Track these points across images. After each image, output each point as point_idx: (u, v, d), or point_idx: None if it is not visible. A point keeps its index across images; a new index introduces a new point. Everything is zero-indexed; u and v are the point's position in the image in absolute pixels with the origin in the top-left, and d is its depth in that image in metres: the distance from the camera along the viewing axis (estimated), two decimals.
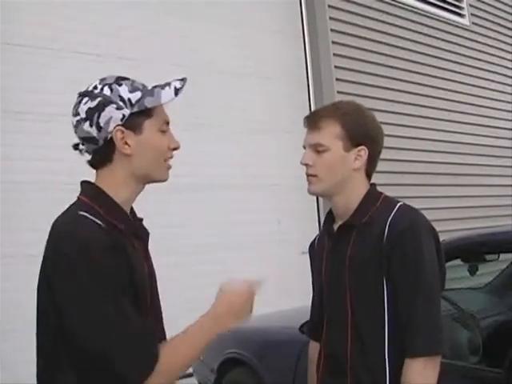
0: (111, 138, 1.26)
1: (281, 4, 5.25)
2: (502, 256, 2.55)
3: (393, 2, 6.01)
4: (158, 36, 4.39)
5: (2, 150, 3.53)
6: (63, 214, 1.30)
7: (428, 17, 6.43)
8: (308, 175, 1.54)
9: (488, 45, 7.13)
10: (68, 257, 1.16)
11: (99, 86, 1.31)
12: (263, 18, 5.13)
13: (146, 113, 1.28)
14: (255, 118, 4.87)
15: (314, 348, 1.70)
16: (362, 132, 1.50)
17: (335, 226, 1.57)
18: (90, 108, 1.28)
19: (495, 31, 7.33)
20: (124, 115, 1.26)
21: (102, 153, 1.29)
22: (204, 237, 4.34)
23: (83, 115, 1.28)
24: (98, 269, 1.15)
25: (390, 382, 1.40)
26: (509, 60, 7.41)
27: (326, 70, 5.22)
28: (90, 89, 1.32)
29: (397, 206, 1.48)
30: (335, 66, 5.25)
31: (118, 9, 4.21)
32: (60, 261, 1.18)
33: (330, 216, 1.60)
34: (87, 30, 4.03)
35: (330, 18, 5.32)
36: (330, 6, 5.32)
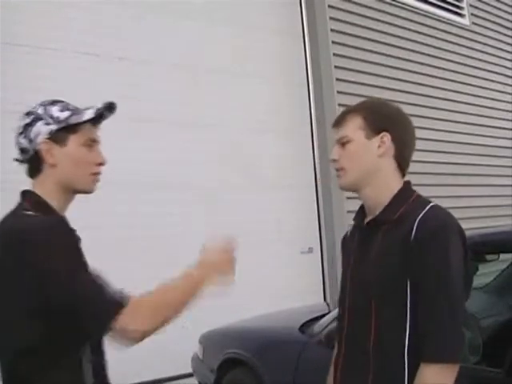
0: (39, 149, 1.48)
1: (281, 4, 5.25)
2: (502, 256, 2.55)
3: (393, 2, 6.01)
4: (158, 36, 4.40)
5: (1, 150, 3.53)
6: (8, 215, 1.46)
7: (428, 17, 6.43)
8: (336, 170, 1.55)
9: (488, 45, 7.14)
10: (39, 240, 1.32)
11: (37, 107, 1.51)
12: (263, 17, 5.13)
13: (72, 129, 1.49)
14: (255, 118, 4.87)
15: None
16: (383, 118, 1.51)
17: (366, 221, 1.55)
18: (25, 124, 1.52)
19: (495, 31, 7.33)
20: (51, 130, 1.47)
21: (32, 162, 1.52)
22: (204, 237, 4.34)
23: (21, 130, 1.53)
24: (68, 242, 1.36)
25: (408, 382, 1.37)
26: (509, 60, 7.41)
27: (326, 69, 5.22)
28: (31, 109, 1.53)
29: (428, 206, 1.44)
30: (335, 66, 5.25)
31: (118, 9, 4.21)
32: (34, 247, 1.31)
33: (362, 210, 1.58)
34: (87, 29, 4.03)
35: (330, 18, 5.32)
36: (329, 6, 5.32)
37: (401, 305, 1.39)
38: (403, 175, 1.57)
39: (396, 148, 1.51)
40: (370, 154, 1.50)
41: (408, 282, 1.39)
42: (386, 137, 1.49)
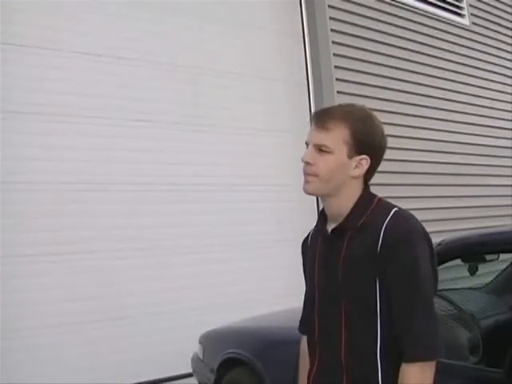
0: None
1: (281, 4, 5.25)
2: (502, 256, 2.55)
3: (393, 2, 6.01)
4: (158, 36, 4.39)
5: (1, 150, 3.53)
6: None
7: (428, 17, 6.43)
8: (307, 174, 1.51)
9: (488, 45, 7.13)
10: None
11: None
12: (263, 17, 5.13)
13: None
14: (255, 118, 4.87)
15: (305, 342, 1.70)
16: (369, 142, 1.49)
17: (328, 227, 1.56)
18: None
19: (495, 31, 7.32)
20: None
21: None
22: (204, 237, 4.34)
23: None
24: None
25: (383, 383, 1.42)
26: (509, 60, 7.41)
27: (326, 69, 5.22)
28: None
29: (391, 212, 1.46)
30: (335, 66, 5.25)
31: (118, 9, 4.21)
32: None
33: (323, 215, 1.59)
34: (87, 29, 4.03)
35: (330, 18, 5.31)
36: (329, 6, 5.32)
37: (371, 310, 1.43)
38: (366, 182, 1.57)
39: (369, 170, 1.52)
40: (345, 172, 1.49)
41: (377, 288, 1.42)
42: (366, 160, 1.49)
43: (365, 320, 1.44)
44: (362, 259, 1.44)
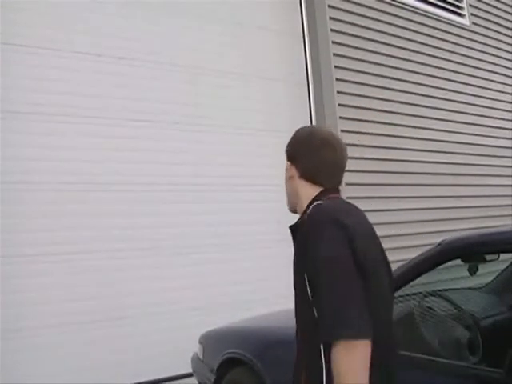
0: None
1: (281, 4, 5.25)
2: (502, 256, 2.56)
3: (393, 2, 6.01)
4: (158, 36, 4.40)
5: (1, 150, 3.53)
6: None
7: (428, 17, 6.43)
8: None
9: (488, 45, 7.14)
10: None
11: None
12: (263, 18, 5.13)
13: None
14: (255, 118, 4.87)
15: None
16: (289, 152, 1.82)
17: None
18: None
19: (495, 31, 7.33)
20: None
21: None
22: (204, 237, 4.34)
23: None
24: None
25: (327, 378, 1.41)
26: (509, 60, 7.41)
27: (326, 69, 5.22)
28: None
29: (311, 206, 1.61)
30: (335, 66, 5.25)
31: (118, 9, 4.21)
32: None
33: None
34: (87, 30, 4.03)
35: (330, 18, 5.32)
36: (329, 6, 5.32)
37: (308, 303, 1.49)
38: (325, 187, 1.70)
39: (301, 172, 1.74)
40: (284, 179, 1.82)
41: (306, 280, 1.50)
42: (289, 164, 1.79)
43: (308, 314, 1.48)
44: (297, 253, 1.59)
